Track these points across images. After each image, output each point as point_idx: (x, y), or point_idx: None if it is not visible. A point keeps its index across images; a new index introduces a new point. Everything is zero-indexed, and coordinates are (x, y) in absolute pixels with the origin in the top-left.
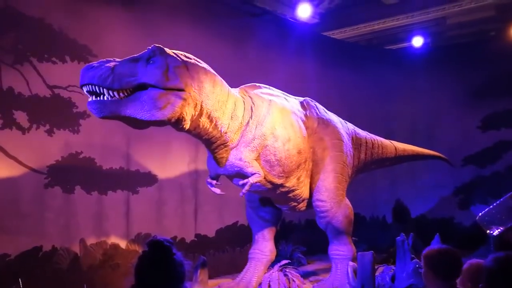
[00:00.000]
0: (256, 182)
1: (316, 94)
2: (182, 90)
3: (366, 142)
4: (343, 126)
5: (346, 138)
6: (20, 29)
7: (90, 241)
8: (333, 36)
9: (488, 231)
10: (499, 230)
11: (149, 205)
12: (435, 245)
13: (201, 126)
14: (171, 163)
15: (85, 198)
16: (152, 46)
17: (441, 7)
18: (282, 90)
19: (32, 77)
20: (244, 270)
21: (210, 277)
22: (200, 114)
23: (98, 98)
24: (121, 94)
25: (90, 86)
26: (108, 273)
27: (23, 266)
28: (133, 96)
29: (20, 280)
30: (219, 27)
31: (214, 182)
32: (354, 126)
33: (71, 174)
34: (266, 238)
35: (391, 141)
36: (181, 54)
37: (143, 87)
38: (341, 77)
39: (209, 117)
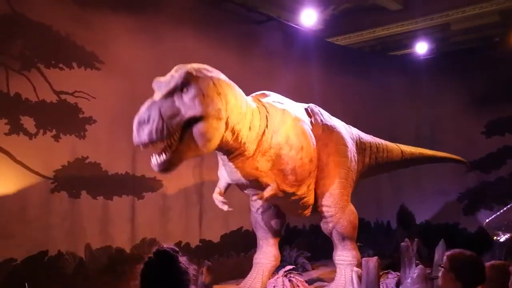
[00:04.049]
0: (270, 196)
1: (320, 100)
2: (219, 110)
3: (371, 146)
4: (347, 131)
5: (350, 143)
6: (28, 36)
7: (96, 245)
8: (337, 42)
9: (495, 237)
10: (506, 236)
11: (154, 210)
12: (442, 248)
13: (223, 139)
14: (176, 168)
15: (90, 203)
16: (182, 72)
17: (445, 13)
18: (287, 96)
19: (39, 83)
20: (249, 275)
21: (215, 282)
22: (226, 128)
23: (158, 157)
24: (175, 137)
25: (151, 144)
26: (113, 277)
27: (29, 271)
28: (187, 139)
29: (26, 284)
30: (224, 34)
31: (221, 198)
32: (358, 131)
33: (77, 179)
34: (270, 243)
35: (397, 144)
36: (204, 69)
37: (190, 121)
38: (345, 83)
39: (232, 130)
